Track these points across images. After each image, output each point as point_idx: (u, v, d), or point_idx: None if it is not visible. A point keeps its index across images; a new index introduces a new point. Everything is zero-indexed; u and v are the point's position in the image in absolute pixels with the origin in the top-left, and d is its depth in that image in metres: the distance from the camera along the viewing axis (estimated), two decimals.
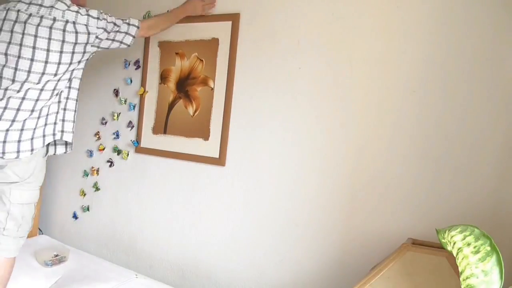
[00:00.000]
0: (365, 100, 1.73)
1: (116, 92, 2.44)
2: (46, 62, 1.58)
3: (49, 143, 1.74)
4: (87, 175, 2.58)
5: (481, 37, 1.52)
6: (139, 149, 2.35)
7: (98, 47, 1.79)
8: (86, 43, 1.69)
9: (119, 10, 2.44)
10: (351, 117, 1.76)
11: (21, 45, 1.55)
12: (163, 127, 2.26)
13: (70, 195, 2.67)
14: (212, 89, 2.10)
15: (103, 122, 2.50)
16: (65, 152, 1.83)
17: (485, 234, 1.08)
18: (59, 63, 1.61)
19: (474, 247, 1.06)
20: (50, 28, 1.58)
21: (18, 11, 1.59)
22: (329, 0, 1.80)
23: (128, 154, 2.40)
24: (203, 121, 2.12)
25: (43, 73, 1.58)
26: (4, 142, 1.54)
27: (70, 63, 1.66)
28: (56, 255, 2.17)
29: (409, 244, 1.42)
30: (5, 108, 1.55)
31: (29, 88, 1.57)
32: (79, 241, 2.61)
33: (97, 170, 2.53)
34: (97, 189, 2.53)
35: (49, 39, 1.57)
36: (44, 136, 1.65)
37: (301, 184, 1.87)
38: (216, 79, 2.08)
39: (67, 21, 1.60)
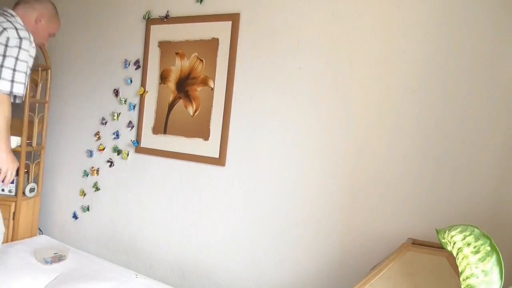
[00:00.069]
0: (365, 100, 1.73)
1: (116, 92, 2.44)
2: None
3: None
4: (87, 175, 2.58)
5: (481, 37, 1.52)
6: (139, 149, 2.35)
7: None
8: None
9: (119, 10, 2.44)
10: (351, 117, 1.76)
11: None
12: (163, 127, 2.26)
13: (70, 195, 2.67)
14: (212, 89, 2.10)
15: (103, 122, 2.50)
16: None
17: (485, 234, 1.08)
18: None
19: (474, 247, 1.06)
20: None
21: None
22: (329, 0, 1.80)
23: (128, 154, 2.40)
24: (203, 121, 2.12)
25: None
26: None
27: None
28: (56, 253, 2.17)
29: (409, 244, 1.42)
30: None
31: None
32: (79, 241, 2.61)
33: (97, 170, 2.53)
34: (97, 189, 2.53)
35: None
36: None
37: (301, 184, 1.87)
38: (216, 79, 2.08)
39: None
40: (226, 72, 2.05)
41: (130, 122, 2.39)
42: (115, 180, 2.46)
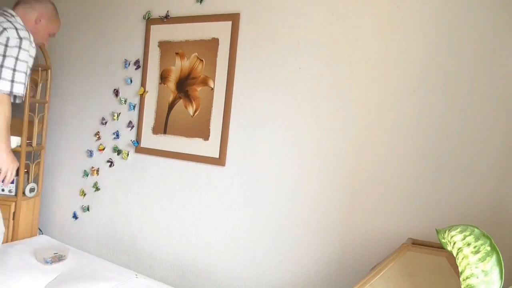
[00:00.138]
0: (365, 100, 1.73)
1: (116, 92, 2.44)
2: None
3: None
4: (87, 175, 2.58)
5: (481, 37, 1.52)
6: (139, 149, 2.35)
7: None
8: None
9: (119, 10, 2.44)
10: (351, 117, 1.76)
11: None
12: (163, 127, 2.26)
13: (70, 195, 2.67)
14: (212, 89, 2.10)
15: (103, 122, 2.50)
16: None
17: (485, 234, 1.08)
18: None
19: (474, 247, 1.06)
20: None
21: None
22: (329, 0, 1.80)
23: (128, 154, 2.40)
24: (203, 121, 2.12)
25: None
26: None
27: None
28: (56, 253, 2.17)
29: (409, 244, 1.42)
30: None
31: None
32: (79, 241, 2.61)
33: (97, 170, 2.53)
34: (97, 189, 2.53)
35: None
36: None
37: (301, 184, 1.87)
38: (216, 79, 2.08)
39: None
40: (226, 72, 2.05)
41: (130, 122, 2.39)
42: (115, 180, 2.46)
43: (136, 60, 2.36)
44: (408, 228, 1.64)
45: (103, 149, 2.50)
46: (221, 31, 2.06)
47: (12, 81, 1.59)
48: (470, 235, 1.09)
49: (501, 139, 1.49)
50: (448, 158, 1.57)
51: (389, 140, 1.68)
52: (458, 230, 1.11)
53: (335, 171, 1.79)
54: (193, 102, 2.16)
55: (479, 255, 1.05)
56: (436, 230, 1.18)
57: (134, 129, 2.38)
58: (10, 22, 1.64)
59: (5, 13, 1.69)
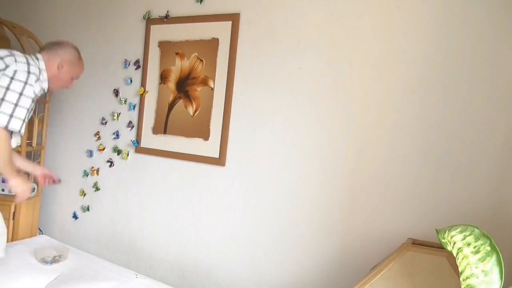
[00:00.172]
0: (365, 100, 1.73)
1: (116, 92, 2.44)
2: None
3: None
4: (87, 175, 2.58)
5: (481, 37, 1.52)
6: (139, 149, 2.35)
7: None
8: None
9: (119, 10, 2.44)
10: (351, 117, 1.76)
11: None
12: (163, 127, 2.26)
13: (70, 195, 2.67)
14: (212, 89, 2.10)
15: (103, 122, 2.50)
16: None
17: (485, 234, 1.08)
18: None
19: (474, 247, 1.06)
20: None
21: None
22: (329, 0, 1.80)
23: (128, 154, 2.40)
24: (203, 121, 2.12)
25: None
26: None
27: None
28: (56, 253, 2.17)
29: (409, 244, 1.42)
30: None
31: None
32: (79, 241, 2.61)
33: (97, 170, 2.53)
34: (97, 189, 2.53)
35: None
36: None
37: (301, 184, 1.87)
38: (216, 79, 2.08)
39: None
40: (226, 72, 2.05)
41: (130, 122, 2.39)
42: (115, 180, 2.46)
43: (136, 60, 2.36)
44: (408, 228, 1.64)
45: (103, 149, 2.50)
46: (221, 31, 2.06)
47: (11, 115, 1.56)
48: (470, 235, 1.09)
49: (501, 139, 1.49)
50: (448, 158, 1.57)
51: (389, 140, 1.68)
52: (458, 230, 1.11)
53: (335, 171, 1.79)
54: (193, 102, 2.16)
55: (479, 255, 1.05)
56: (436, 230, 1.18)
57: (134, 129, 2.38)
58: (26, 58, 1.64)
59: (31, 55, 1.71)
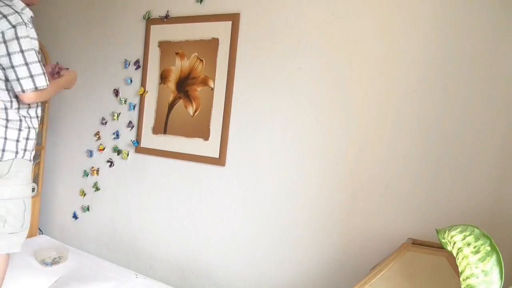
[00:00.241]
0: (365, 100, 1.73)
1: (116, 92, 2.44)
2: None
3: None
4: (87, 175, 2.58)
5: (480, 37, 1.52)
6: (139, 149, 2.35)
7: None
8: None
9: (119, 10, 2.44)
10: (351, 117, 1.76)
11: None
12: (163, 127, 2.26)
13: (70, 195, 2.67)
14: (212, 89, 2.10)
15: (103, 122, 2.50)
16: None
17: (485, 234, 1.08)
18: None
19: (474, 247, 1.06)
20: None
21: None
22: (329, 0, 1.80)
23: (128, 154, 2.40)
24: (203, 121, 2.12)
25: None
26: None
27: None
28: (56, 255, 2.17)
29: (409, 244, 1.42)
30: None
31: None
32: (79, 241, 2.61)
33: (97, 170, 2.53)
34: (97, 189, 2.53)
35: None
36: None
37: (301, 184, 1.87)
38: (216, 79, 2.08)
39: None
40: (226, 72, 2.05)
41: (130, 122, 2.39)
42: (115, 180, 2.46)
43: (136, 60, 2.36)
44: (408, 228, 1.64)
45: (103, 149, 2.50)
46: (221, 31, 2.06)
47: (31, 76, 1.54)
48: (470, 235, 1.09)
49: (501, 139, 1.49)
50: (448, 158, 1.57)
51: (389, 140, 1.68)
52: (458, 230, 1.11)
53: (335, 171, 1.79)
54: (193, 102, 2.16)
55: (479, 255, 1.05)
56: (436, 230, 1.18)
57: (134, 129, 2.38)
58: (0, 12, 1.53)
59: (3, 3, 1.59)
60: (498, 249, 1.05)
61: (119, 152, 2.43)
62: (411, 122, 1.64)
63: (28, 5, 1.67)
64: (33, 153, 1.76)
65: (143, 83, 2.33)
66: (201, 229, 2.16)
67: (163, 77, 2.26)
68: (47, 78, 1.60)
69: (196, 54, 2.15)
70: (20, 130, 1.66)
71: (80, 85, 2.62)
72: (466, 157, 1.54)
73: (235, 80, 2.03)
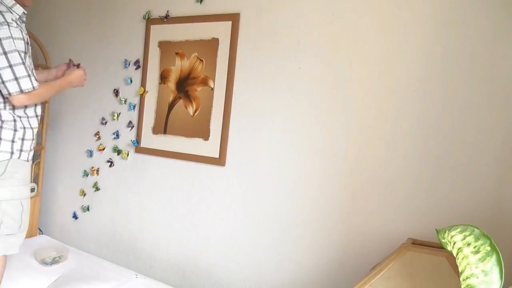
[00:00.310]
0: (365, 100, 1.73)
1: (116, 92, 2.44)
2: None
3: None
4: (87, 175, 2.58)
5: (480, 37, 1.52)
6: (139, 149, 2.35)
7: None
8: None
9: (119, 10, 2.44)
10: (351, 117, 1.76)
11: None
12: (163, 127, 2.26)
13: (70, 195, 2.67)
14: (212, 89, 2.10)
15: (103, 122, 2.50)
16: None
17: (485, 234, 1.08)
18: None
19: (474, 247, 1.06)
20: None
21: None
22: (329, 0, 1.80)
23: (128, 154, 2.40)
24: (203, 121, 2.12)
25: None
26: None
27: None
28: (56, 254, 2.18)
29: (409, 244, 1.42)
30: None
31: None
32: (79, 241, 2.61)
33: (97, 170, 2.53)
34: (97, 189, 2.53)
35: None
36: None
37: (301, 184, 1.87)
38: (216, 79, 2.08)
39: None
40: (226, 72, 2.05)
41: (130, 122, 2.39)
42: (115, 180, 2.46)
43: (136, 60, 2.36)
44: (408, 228, 1.64)
45: (103, 149, 2.50)
46: (221, 31, 2.06)
47: (16, 78, 1.51)
48: (470, 235, 1.09)
49: (501, 139, 1.49)
50: (448, 158, 1.57)
51: (389, 140, 1.68)
52: (458, 230, 1.11)
53: (335, 171, 1.79)
54: (193, 102, 2.16)
55: (479, 255, 1.05)
56: (436, 230, 1.18)
57: (134, 129, 2.38)
58: None
59: None
60: (498, 249, 1.05)
61: (119, 152, 2.43)
62: (411, 122, 1.64)
63: (23, 6, 1.64)
64: (31, 153, 1.74)
65: (143, 83, 2.33)
66: (201, 229, 2.16)
67: (163, 77, 2.26)
68: (34, 80, 1.57)
69: (196, 54, 2.15)
70: (15, 130, 1.65)
71: None
72: (466, 157, 1.54)
73: (235, 80, 2.03)
